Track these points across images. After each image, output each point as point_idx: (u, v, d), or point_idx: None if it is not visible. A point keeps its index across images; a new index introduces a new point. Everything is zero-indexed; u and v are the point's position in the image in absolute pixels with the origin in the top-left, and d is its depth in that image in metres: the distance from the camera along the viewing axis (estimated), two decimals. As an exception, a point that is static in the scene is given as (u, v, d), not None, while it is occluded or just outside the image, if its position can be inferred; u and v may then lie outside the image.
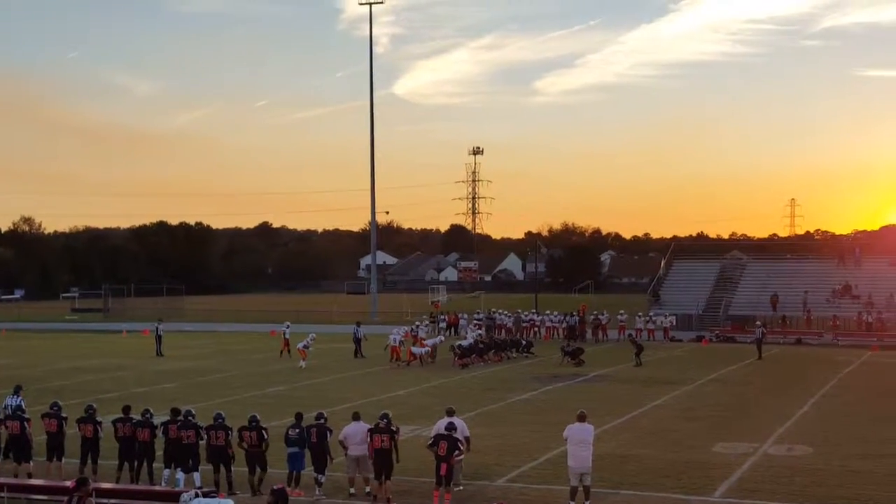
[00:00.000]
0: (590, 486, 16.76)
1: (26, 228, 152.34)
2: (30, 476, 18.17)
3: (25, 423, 18.79)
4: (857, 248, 67.02)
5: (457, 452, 16.72)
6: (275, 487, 13.44)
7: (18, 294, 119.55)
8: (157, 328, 47.57)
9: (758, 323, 47.70)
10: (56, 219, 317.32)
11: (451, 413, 18.01)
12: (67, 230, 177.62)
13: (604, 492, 17.62)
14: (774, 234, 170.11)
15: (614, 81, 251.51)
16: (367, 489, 17.42)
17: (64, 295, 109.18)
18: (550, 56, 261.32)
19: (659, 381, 34.86)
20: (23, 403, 20.55)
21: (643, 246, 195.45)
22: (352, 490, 17.51)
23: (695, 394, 32.01)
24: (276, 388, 32.97)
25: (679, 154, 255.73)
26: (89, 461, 18.37)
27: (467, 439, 17.78)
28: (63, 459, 18.63)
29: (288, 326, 45.86)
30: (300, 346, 40.96)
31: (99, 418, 18.79)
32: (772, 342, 49.32)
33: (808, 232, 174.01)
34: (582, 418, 17.23)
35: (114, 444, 18.57)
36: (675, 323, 57.57)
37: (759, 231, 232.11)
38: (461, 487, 17.66)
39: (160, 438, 18.16)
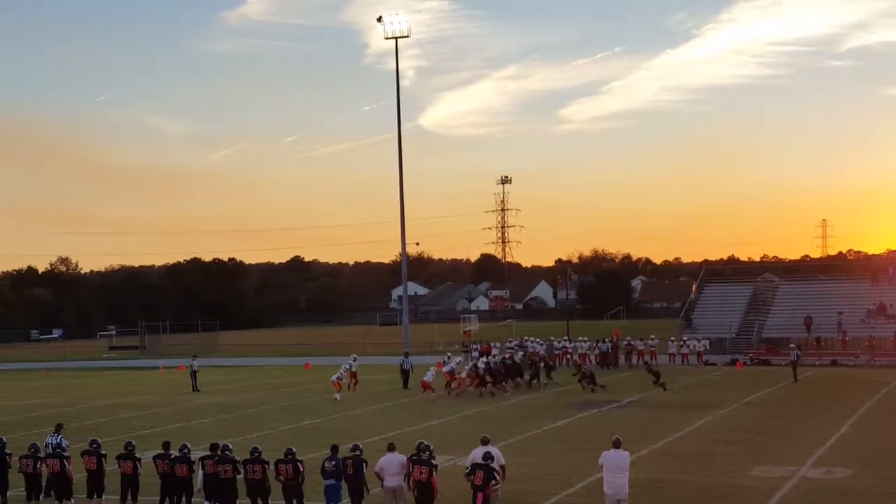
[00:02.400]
0: None
1: (63, 269, 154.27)
2: (71, 513, 18.41)
3: (65, 461, 19.05)
4: (890, 268, 66.35)
5: (493, 482, 16.79)
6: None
7: (57, 333, 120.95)
8: (191, 364, 47.95)
9: (792, 345, 47.33)
10: (92, 258, 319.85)
11: (485, 442, 18.06)
12: (103, 269, 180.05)
13: (640, 518, 17.62)
14: (806, 256, 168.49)
15: (640, 107, 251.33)
16: None
17: (101, 333, 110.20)
18: (575, 84, 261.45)
19: (694, 406, 34.71)
20: (63, 442, 20.83)
21: (674, 270, 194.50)
22: None
23: (730, 417, 31.85)
24: (311, 421, 33.13)
25: (708, 178, 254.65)
26: (129, 498, 18.59)
27: (503, 468, 17.82)
28: (104, 496, 18.84)
29: (355, 360, 44.32)
30: (334, 378, 41.05)
31: (138, 455, 19.02)
32: (807, 364, 48.99)
33: (840, 252, 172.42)
34: (617, 444, 17.19)
35: (153, 479, 18.79)
36: (708, 347, 57.28)
37: (790, 253, 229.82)
38: None
39: (196, 473, 18.34)
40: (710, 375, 47.81)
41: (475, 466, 16.92)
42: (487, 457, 17.14)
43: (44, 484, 19.40)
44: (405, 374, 44.34)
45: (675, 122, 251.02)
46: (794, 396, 37.76)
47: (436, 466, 17.34)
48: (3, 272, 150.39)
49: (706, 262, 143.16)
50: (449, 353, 47.11)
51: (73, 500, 18.85)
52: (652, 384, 40.11)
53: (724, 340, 60.49)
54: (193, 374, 47.16)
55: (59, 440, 20.89)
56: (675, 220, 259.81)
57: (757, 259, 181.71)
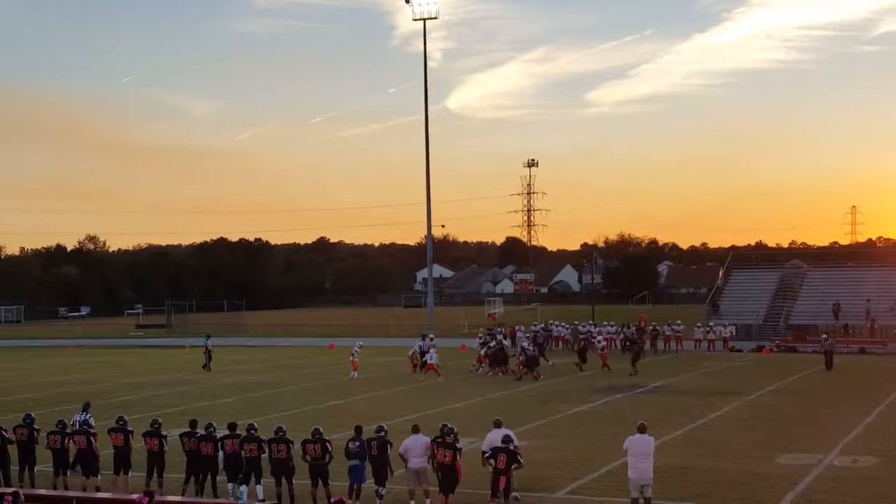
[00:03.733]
0: (650, 498, 16.69)
1: (91, 247, 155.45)
2: (98, 489, 18.54)
3: (92, 438, 19.19)
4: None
5: (515, 465, 16.76)
6: (333, 500, 13.60)
7: (84, 311, 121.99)
8: (206, 344, 48.06)
9: (824, 335, 46.69)
10: (119, 237, 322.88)
11: (498, 425, 18.08)
12: (131, 248, 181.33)
13: None
14: (835, 242, 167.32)
15: (668, 91, 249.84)
16: (427, 501, 17.52)
17: (128, 311, 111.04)
18: (603, 67, 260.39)
19: (719, 392, 34.54)
20: (91, 419, 20.98)
21: (701, 256, 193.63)
22: (412, 503, 17.61)
23: (756, 404, 31.66)
24: (335, 402, 33.23)
25: (736, 163, 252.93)
26: (155, 474, 18.71)
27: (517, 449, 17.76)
28: (130, 473, 18.97)
29: (360, 347, 43.25)
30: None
31: (164, 432, 19.12)
32: (835, 351, 48.58)
33: (869, 239, 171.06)
34: (642, 430, 17.13)
35: (179, 457, 18.91)
36: (734, 333, 56.99)
37: (819, 239, 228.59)
38: (518, 496, 17.68)
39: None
40: (736, 362, 47.57)
41: (497, 450, 16.87)
42: (507, 440, 17.12)
43: (71, 460, 19.56)
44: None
45: (703, 106, 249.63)
46: (821, 384, 37.51)
47: (460, 450, 17.30)
48: (32, 250, 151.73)
49: (733, 247, 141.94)
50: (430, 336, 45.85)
51: (99, 477, 18.99)
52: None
53: (750, 327, 60.18)
54: (208, 353, 46.98)
55: (86, 418, 21.05)
56: (702, 205, 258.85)
57: (785, 245, 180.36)
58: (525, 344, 43.06)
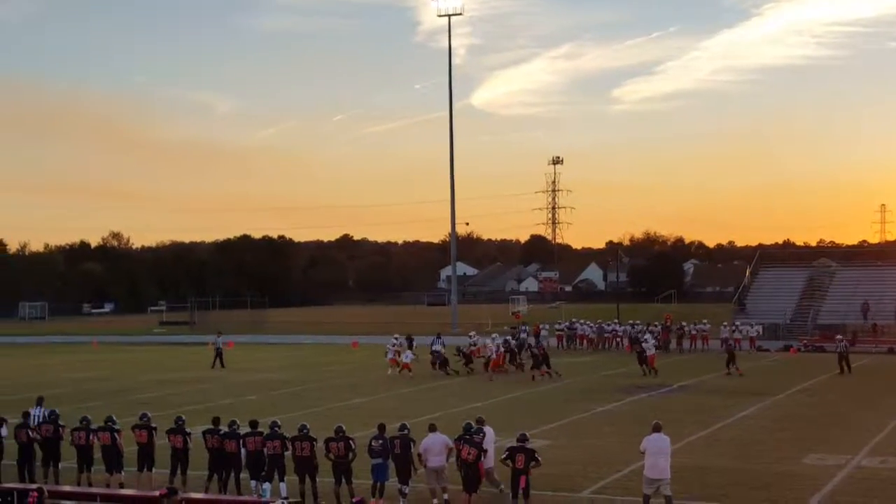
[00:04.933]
0: (671, 497, 16.58)
1: (115, 244, 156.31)
2: (121, 486, 18.56)
3: (116, 434, 19.21)
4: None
5: (534, 464, 16.69)
6: (354, 500, 13.57)
7: (108, 307, 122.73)
8: (216, 341, 48.00)
9: (839, 337, 45.12)
10: (143, 234, 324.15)
11: (481, 422, 18.31)
12: (154, 245, 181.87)
13: (691, 504, 17.40)
14: (864, 241, 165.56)
15: (695, 88, 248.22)
16: (445, 497, 17.45)
17: (152, 308, 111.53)
18: (629, 64, 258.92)
19: (745, 392, 34.26)
20: (48, 413, 20.90)
21: (727, 254, 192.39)
22: (434, 502, 17.52)
23: (783, 404, 31.39)
24: (358, 400, 33.20)
25: (763, 160, 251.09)
26: (179, 471, 18.71)
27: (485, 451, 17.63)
28: (154, 469, 18.98)
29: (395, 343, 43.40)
30: (389, 356, 41.96)
31: (188, 429, 19.10)
32: (863, 351, 48.20)
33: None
34: (657, 429, 17.18)
35: (202, 454, 18.89)
36: (761, 332, 56.55)
37: (848, 238, 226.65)
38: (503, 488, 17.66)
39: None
40: (762, 361, 47.21)
41: (514, 450, 16.81)
42: (523, 438, 17.09)
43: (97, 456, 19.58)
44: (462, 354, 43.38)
45: (730, 103, 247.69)
46: (849, 384, 37.12)
47: (485, 451, 17.19)
48: (56, 247, 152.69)
49: (760, 246, 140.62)
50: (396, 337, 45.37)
51: (122, 473, 19.01)
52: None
53: (777, 326, 59.73)
54: (218, 351, 46.99)
55: (44, 412, 21.12)
56: (729, 203, 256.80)
57: (813, 244, 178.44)
58: (528, 341, 42.69)
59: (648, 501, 16.65)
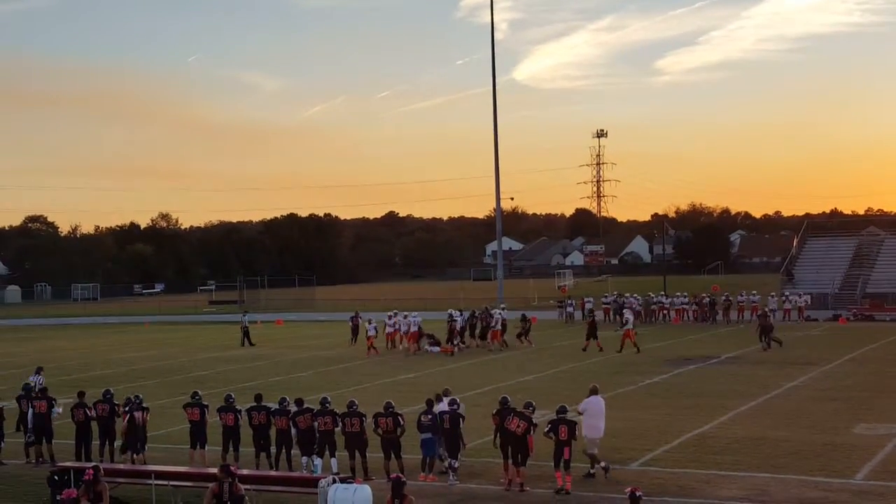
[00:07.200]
0: (595, 455, 17.65)
1: (164, 224, 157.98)
2: (144, 463, 18.79)
3: (143, 413, 19.50)
4: None
5: (575, 438, 16.84)
6: (391, 477, 13.84)
7: (159, 288, 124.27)
8: (243, 320, 48.35)
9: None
10: (192, 214, 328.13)
11: (447, 394, 19.06)
12: (203, 225, 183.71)
13: (741, 475, 17.36)
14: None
15: (739, 58, 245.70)
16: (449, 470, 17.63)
17: (201, 288, 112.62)
18: (672, 35, 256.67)
19: (794, 362, 34.02)
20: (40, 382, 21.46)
21: (774, 224, 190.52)
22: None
23: (833, 374, 31.13)
24: (405, 376, 33.40)
25: (809, 129, 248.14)
26: (231, 448, 18.97)
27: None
28: (206, 447, 19.26)
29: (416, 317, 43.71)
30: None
31: (238, 407, 19.35)
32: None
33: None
34: (595, 391, 18.42)
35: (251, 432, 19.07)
36: (809, 302, 56.00)
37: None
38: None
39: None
40: (811, 331, 46.78)
41: (556, 422, 16.97)
42: (563, 410, 17.30)
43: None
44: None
45: (774, 72, 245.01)
46: (900, 353, 36.68)
47: (535, 425, 17.18)
48: (107, 228, 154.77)
49: (808, 215, 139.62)
50: (394, 312, 45.30)
51: (147, 449, 19.39)
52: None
53: (826, 296, 59.09)
54: (244, 329, 47.33)
55: (40, 381, 21.65)
56: (775, 172, 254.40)
57: (861, 212, 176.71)
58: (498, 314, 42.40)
59: (595, 460, 17.57)
